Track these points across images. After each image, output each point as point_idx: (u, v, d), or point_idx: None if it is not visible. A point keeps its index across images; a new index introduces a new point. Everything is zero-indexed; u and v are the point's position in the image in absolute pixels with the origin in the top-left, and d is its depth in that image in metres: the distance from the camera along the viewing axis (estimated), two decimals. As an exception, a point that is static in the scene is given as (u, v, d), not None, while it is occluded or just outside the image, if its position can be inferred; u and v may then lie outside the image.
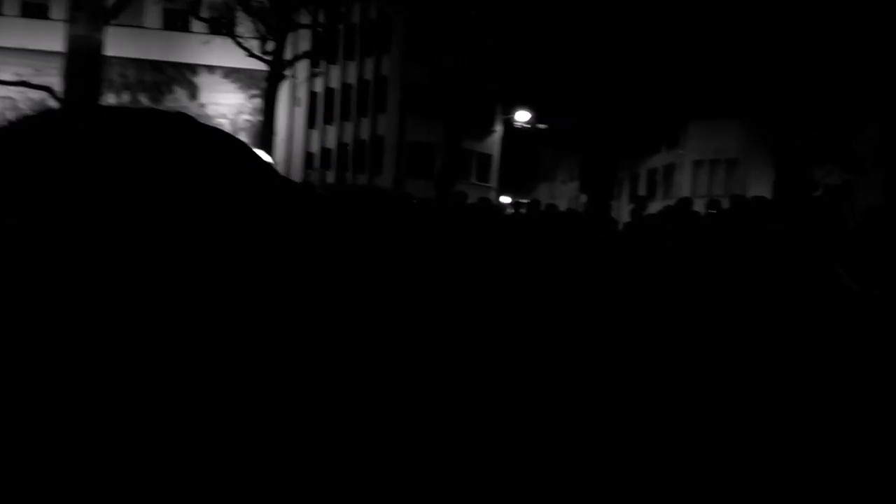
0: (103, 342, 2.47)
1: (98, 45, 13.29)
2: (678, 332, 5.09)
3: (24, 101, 23.42)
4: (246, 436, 2.82)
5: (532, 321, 5.55)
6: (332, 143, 34.29)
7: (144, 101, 30.26)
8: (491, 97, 32.04)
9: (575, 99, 26.01)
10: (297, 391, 3.44)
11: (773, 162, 19.46)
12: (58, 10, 24.28)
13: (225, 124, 30.62)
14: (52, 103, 14.06)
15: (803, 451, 3.47)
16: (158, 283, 2.53)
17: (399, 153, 32.35)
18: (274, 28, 22.59)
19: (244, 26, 24.02)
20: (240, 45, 22.25)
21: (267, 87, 23.61)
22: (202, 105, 30.60)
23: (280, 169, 29.19)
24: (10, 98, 25.16)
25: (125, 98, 30.01)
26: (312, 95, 34.24)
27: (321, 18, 26.23)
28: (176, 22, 30.08)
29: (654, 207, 14.06)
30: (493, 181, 34.51)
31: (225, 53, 26.10)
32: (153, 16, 29.91)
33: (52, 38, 19.77)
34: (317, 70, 32.06)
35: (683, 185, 26.90)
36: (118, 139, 2.73)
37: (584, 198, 27.40)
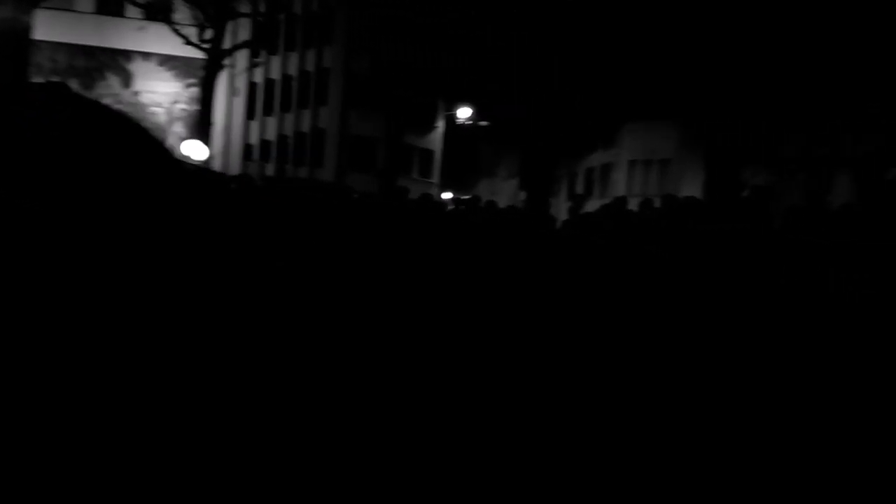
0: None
1: (26, 28, 12.81)
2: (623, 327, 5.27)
3: (-57, 83, 22.28)
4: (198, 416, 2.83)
5: (475, 314, 5.67)
6: (271, 134, 33.76)
7: (75, 87, 29.14)
8: (433, 92, 32.13)
9: (515, 97, 26.34)
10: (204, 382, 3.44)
11: (704, 163, 20.19)
12: (-19, -10, 23.19)
13: (160, 113, 29.83)
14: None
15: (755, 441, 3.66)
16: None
17: (341, 146, 32.12)
18: (212, 16, 22.12)
19: (181, 13, 23.44)
20: (176, 32, 21.71)
21: (204, 77, 23.10)
22: (136, 93, 29.72)
23: (217, 161, 28.65)
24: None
25: (54, 83, 28.89)
26: (252, 86, 33.64)
27: (261, 7, 25.81)
28: (110, 6, 29.10)
29: (592, 206, 14.42)
30: (435, 177, 34.64)
31: (161, 40, 25.40)
32: (86, -1, 28.92)
33: (-25, 18, 18.87)
34: (257, 60, 31.49)
35: (619, 183, 27.57)
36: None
37: (523, 195, 27.77)
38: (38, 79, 23.84)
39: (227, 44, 23.60)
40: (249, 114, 33.86)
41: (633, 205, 8.87)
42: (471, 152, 36.88)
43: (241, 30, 26.49)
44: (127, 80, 29.83)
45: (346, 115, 32.10)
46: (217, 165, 27.72)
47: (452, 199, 25.19)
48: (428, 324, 5.63)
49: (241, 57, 29.13)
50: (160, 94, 29.78)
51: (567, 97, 23.65)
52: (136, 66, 29.76)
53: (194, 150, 13.46)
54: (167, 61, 29.27)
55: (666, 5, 19.07)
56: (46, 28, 16.98)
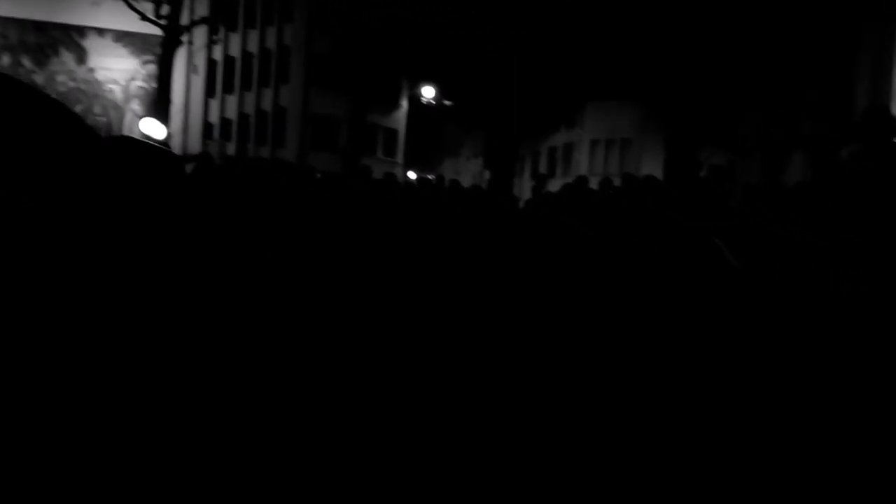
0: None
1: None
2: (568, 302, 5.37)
3: None
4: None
5: (444, 291, 5.73)
6: (232, 113, 33.19)
7: (27, 63, 28.28)
8: (396, 71, 31.89)
9: (479, 76, 26.29)
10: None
11: (663, 143, 20.49)
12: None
13: (116, 90, 29.10)
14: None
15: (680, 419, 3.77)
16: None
17: (303, 125, 31.76)
18: (169, -9, 21.59)
19: (137, -13, 22.78)
20: (132, 7, 21.09)
21: (162, 53, 22.54)
22: (91, 70, 28.92)
23: (177, 139, 28.09)
24: None
25: (5, 61, 27.95)
26: (211, 63, 32.98)
27: (220, -17, 25.27)
28: (62, -21, 28.17)
29: (554, 185, 14.52)
30: (399, 156, 34.50)
31: (116, 16, 24.68)
32: (36, -28, 27.93)
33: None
34: (216, 37, 30.85)
35: (581, 163, 27.84)
36: None
37: (487, 174, 27.87)
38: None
39: (184, 20, 23.06)
40: (209, 92, 33.23)
41: (594, 184, 8.97)
42: (435, 132, 36.79)
43: (198, 5, 25.91)
44: (82, 56, 28.99)
45: (308, 94, 31.71)
46: (176, 144, 27.22)
47: (417, 179, 25.15)
48: (397, 301, 5.68)
49: (200, 33, 28.49)
50: (116, 72, 29.04)
51: (531, 78, 23.70)
52: (91, 43, 28.93)
53: (152, 129, 13.16)
54: (123, 37, 28.52)
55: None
56: (-5, 2, 16.39)
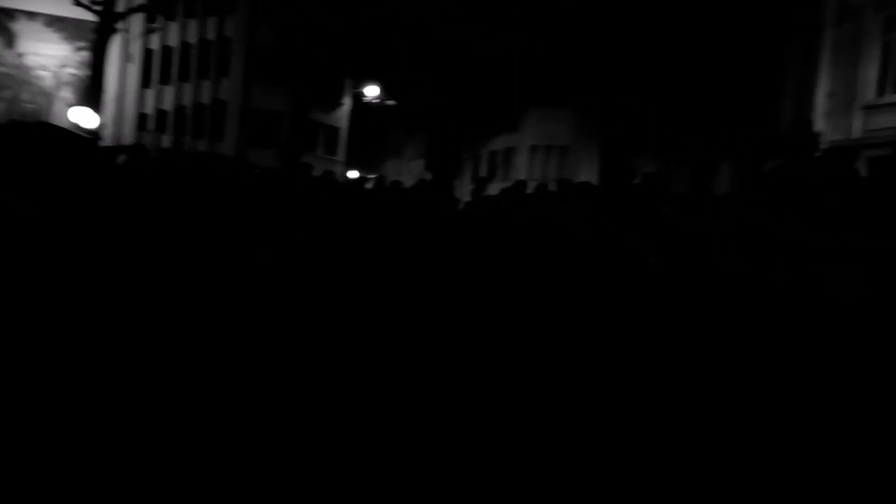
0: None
1: None
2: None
3: None
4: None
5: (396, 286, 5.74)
6: (168, 104, 32.33)
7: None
8: (340, 68, 31.64)
9: (423, 78, 26.36)
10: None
11: (599, 150, 20.97)
12: None
13: (46, 77, 28.01)
14: None
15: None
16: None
17: (242, 120, 31.18)
18: (104, -24, 20.88)
19: (70, -30, 21.97)
20: (65, -9, 20.36)
21: (96, 40, 21.79)
22: (20, 55, 27.74)
23: (109, 130, 27.21)
24: None
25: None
26: (148, 52, 32.06)
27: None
28: (-11, -42, 26.94)
29: (494, 188, 14.69)
30: (341, 155, 34.23)
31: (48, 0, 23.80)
32: (-40, -51, 26.64)
33: None
34: (153, 26, 30.00)
35: (521, 167, 28.20)
36: None
37: (429, 176, 27.94)
38: None
39: (120, 6, 22.37)
40: (145, 82, 32.30)
41: (532, 188, 9.13)
42: (378, 131, 36.64)
43: (136, -8, 25.18)
44: (10, 40, 27.77)
45: (248, 88, 31.15)
46: (109, 135, 26.37)
47: (358, 178, 24.99)
48: (343, 298, 5.67)
49: (137, 21, 27.67)
50: (47, 57, 27.93)
51: (473, 82, 23.90)
52: (21, 27, 27.74)
53: (83, 118, 12.73)
54: (55, 22, 27.46)
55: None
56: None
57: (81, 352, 3.29)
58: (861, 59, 15.00)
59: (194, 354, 3.74)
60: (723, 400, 3.73)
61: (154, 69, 32.29)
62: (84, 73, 26.21)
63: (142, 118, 32.06)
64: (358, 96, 32.32)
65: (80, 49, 27.58)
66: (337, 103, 33.67)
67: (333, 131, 34.14)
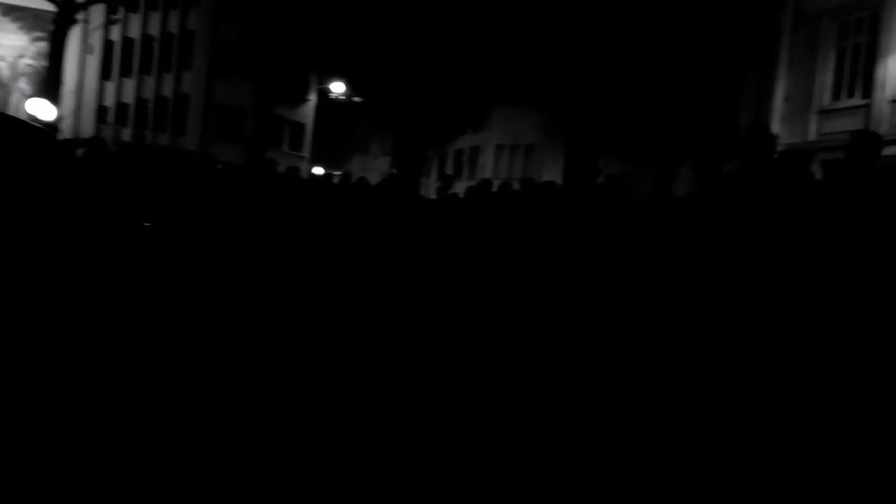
0: None
1: None
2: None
3: None
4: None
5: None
6: (129, 97, 31.72)
7: None
8: (305, 64, 31.38)
9: (390, 76, 26.31)
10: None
11: (564, 150, 21.18)
12: None
13: (2, 67, 27.29)
14: None
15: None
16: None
17: (206, 114, 30.75)
18: (64, -35, 20.42)
19: (28, -41, 21.48)
20: (22, -21, 19.87)
21: (54, 31, 21.30)
22: (-27, 43, 27.00)
23: (68, 122, 26.63)
24: None
25: None
26: (108, 44, 31.42)
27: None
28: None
29: (460, 187, 14.76)
30: (306, 151, 33.98)
31: (4, -13, 23.18)
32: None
33: None
34: (114, 17, 29.42)
35: (487, 166, 28.35)
36: None
37: (395, 171, 27.91)
38: None
39: (80, -3, 21.90)
40: (105, 74, 31.65)
41: (496, 187, 9.21)
42: (344, 128, 36.44)
43: (96, -17, 24.63)
44: (-37, 28, 27.02)
45: (211, 82, 30.74)
46: (67, 127, 25.80)
47: (324, 175, 24.85)
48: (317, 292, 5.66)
49: (97, 12, 27.09)
50: (3, 47, 27.20)
51: (440, 81, 23.94)
52: (-26, 14, 27.00)
53: (40, 109, 12.43)
54: (12, 11, 26.76)
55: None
56: None
57: (50, 351, 3.25)
58: (817, 64, 15.40)
59: (178, 353, 3.72)
60: (712, 401, 3.71)
61: (115, 61, 31.67)
62: (42, 63, 25.58)
63: (102, 111, 31.42)
64: (324, 92, 32.12)
65: (37, 39, 26.92)
66: (303, 99, 33.41)
67: (299, 127, 33.87)
